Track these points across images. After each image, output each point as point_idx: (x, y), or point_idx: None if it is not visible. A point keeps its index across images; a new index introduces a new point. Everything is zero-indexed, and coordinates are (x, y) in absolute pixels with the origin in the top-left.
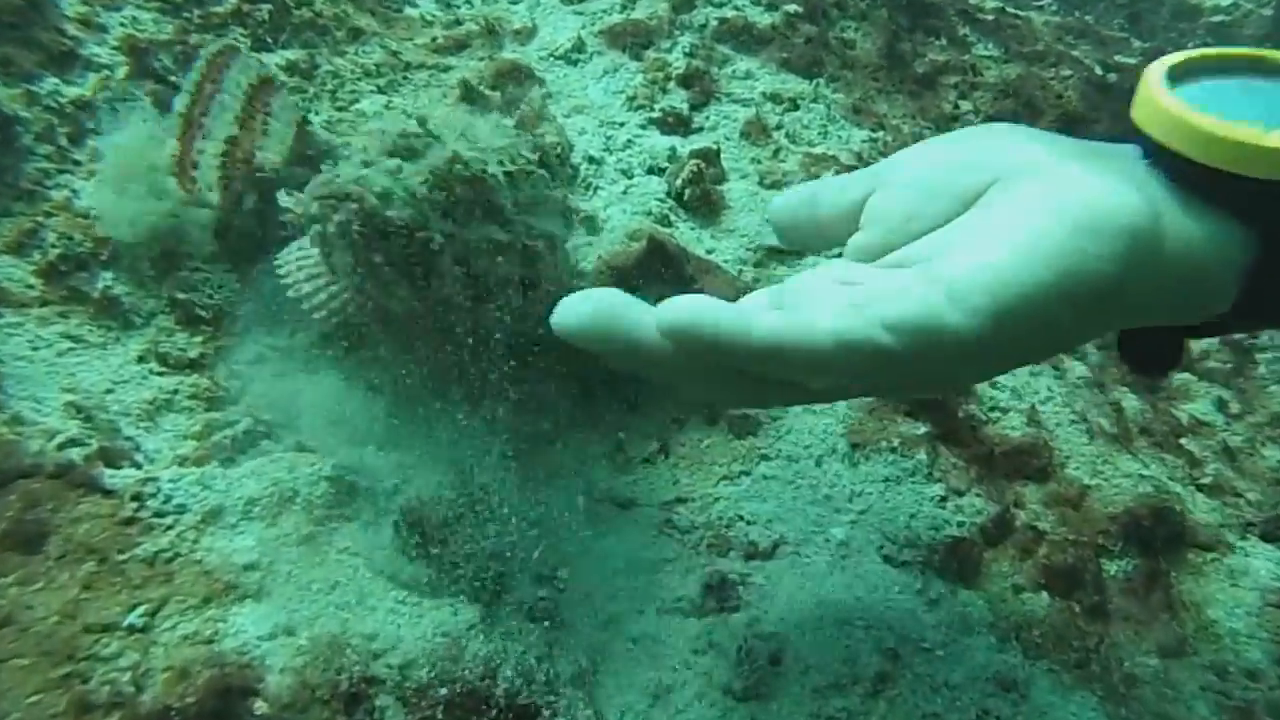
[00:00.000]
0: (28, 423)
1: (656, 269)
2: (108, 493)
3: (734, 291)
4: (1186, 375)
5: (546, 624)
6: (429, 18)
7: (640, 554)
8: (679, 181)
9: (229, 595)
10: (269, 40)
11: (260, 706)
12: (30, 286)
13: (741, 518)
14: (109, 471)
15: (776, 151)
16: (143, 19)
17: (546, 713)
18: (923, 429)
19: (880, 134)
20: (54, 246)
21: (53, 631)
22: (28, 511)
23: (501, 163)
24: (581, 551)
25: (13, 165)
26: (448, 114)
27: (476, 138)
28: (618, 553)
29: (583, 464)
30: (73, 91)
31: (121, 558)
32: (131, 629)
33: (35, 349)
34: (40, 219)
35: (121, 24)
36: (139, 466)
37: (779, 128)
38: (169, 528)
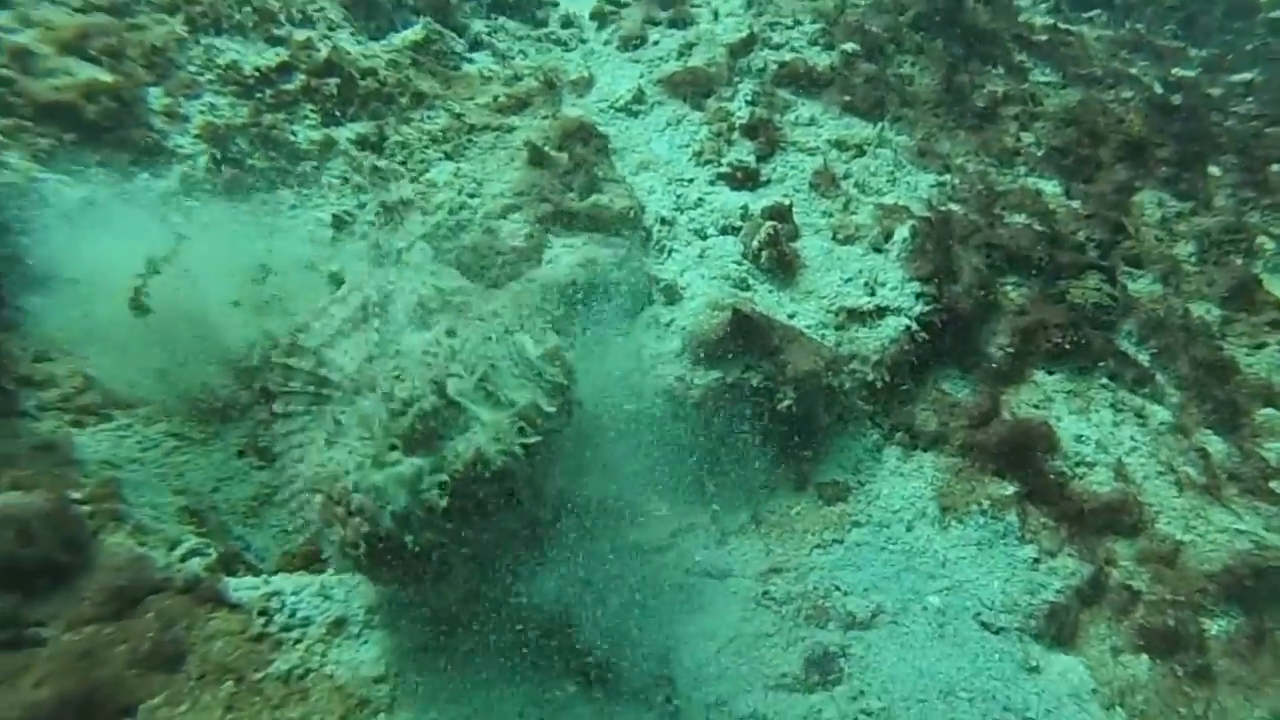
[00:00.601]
0: (150, 531)
1: (743, 340)
2: (234, 607)
3: (820, 361)
4: (1270, 410)
5: (659, 713)
6: (487, 73)
7: (742, 629)
8: (755, 243)
9: (363, 710)
10: (338, 114)
11: None
12: (133, 386)
13: (838, 587)
14: (233, 583)
15: (847, 203)
16: (219, 105)
17: None
18: (1011, 489)
19: (947, 177)
20: (147, 337)
21: None
22: (165, 631)
23: (523, 430)
24: (687, 630)
25: None
26: (466, 344)
27: (498, 389)
28: (720, 629)
29: (680, 535)
30: (161, 185)
31: (258, 676)
32: None
33: (145, 450)
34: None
35: (201, 111)
36: (256, 571)
37: (847, 176)
38: (297, 642)
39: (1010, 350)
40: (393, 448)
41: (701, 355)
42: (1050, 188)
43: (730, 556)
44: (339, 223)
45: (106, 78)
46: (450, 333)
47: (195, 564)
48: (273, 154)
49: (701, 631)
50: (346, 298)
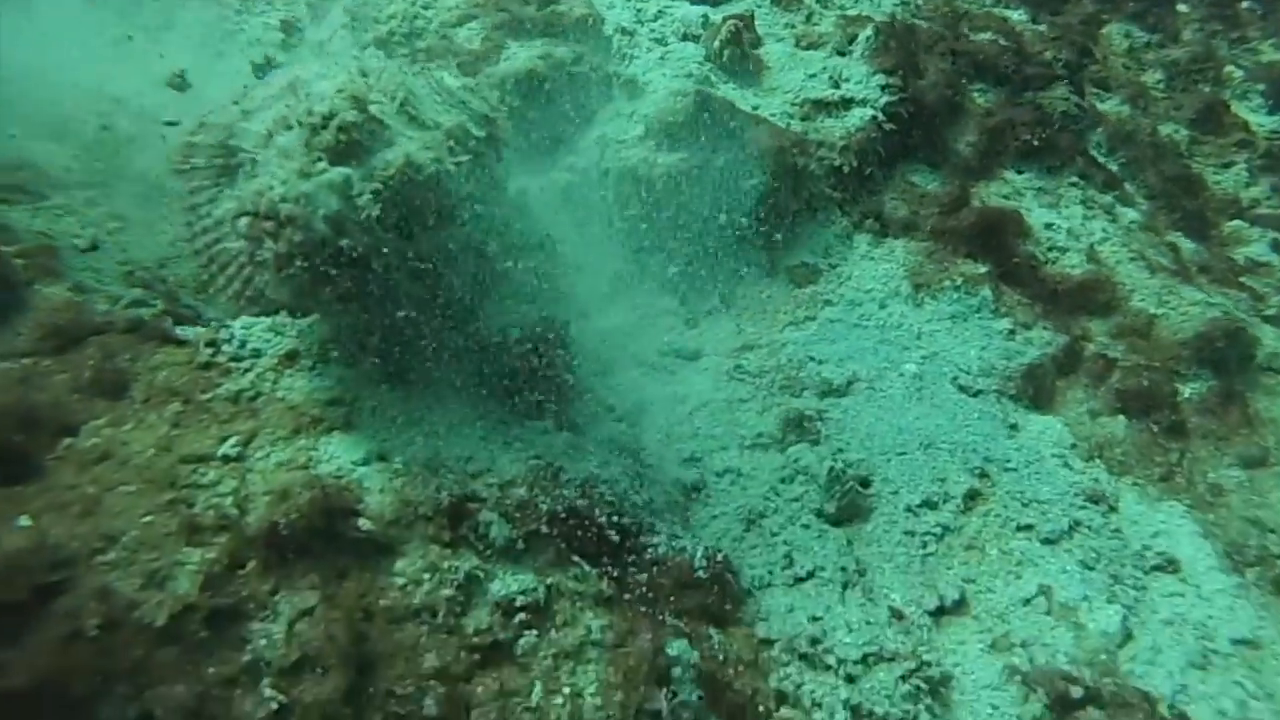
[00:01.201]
0: (90, 290)
1: (704, 122)
2: (181, 343)
3: (785, 140)
4: (1238, 222)
5: (632, 459)
6: None
7: (714, 396)
8: (717, 43)
9: (317, 427)
10: None
11: (365, 524)
12: (69, 170)
13: (812, 358)
14: (180, 327)
15: (809, 16)
16: None
17: (646, 534)
18: (983, 268)
19: None
20: (86, 122)
21: (151, 463)
22: (107, 361)
23: (453, 150)
24: (656, 396)
25: None
26: (383, 74)
27: (420, 113)
28: (691, 396)
29: (648, 319)
30: None
31: (205, 397)
32: (226, 458)
33: (84, 228)
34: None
35: None
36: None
37: None
38: (247, 370)
39: (979, 147)
40: (318, 160)
41: (665, 138)
42: (1017, 15)
43: (701, 337)
44: (287, 27)
45: None
46: (363, 73)
47: (141, 312)
48: None
49: (673, 397)
50: (270, 80)
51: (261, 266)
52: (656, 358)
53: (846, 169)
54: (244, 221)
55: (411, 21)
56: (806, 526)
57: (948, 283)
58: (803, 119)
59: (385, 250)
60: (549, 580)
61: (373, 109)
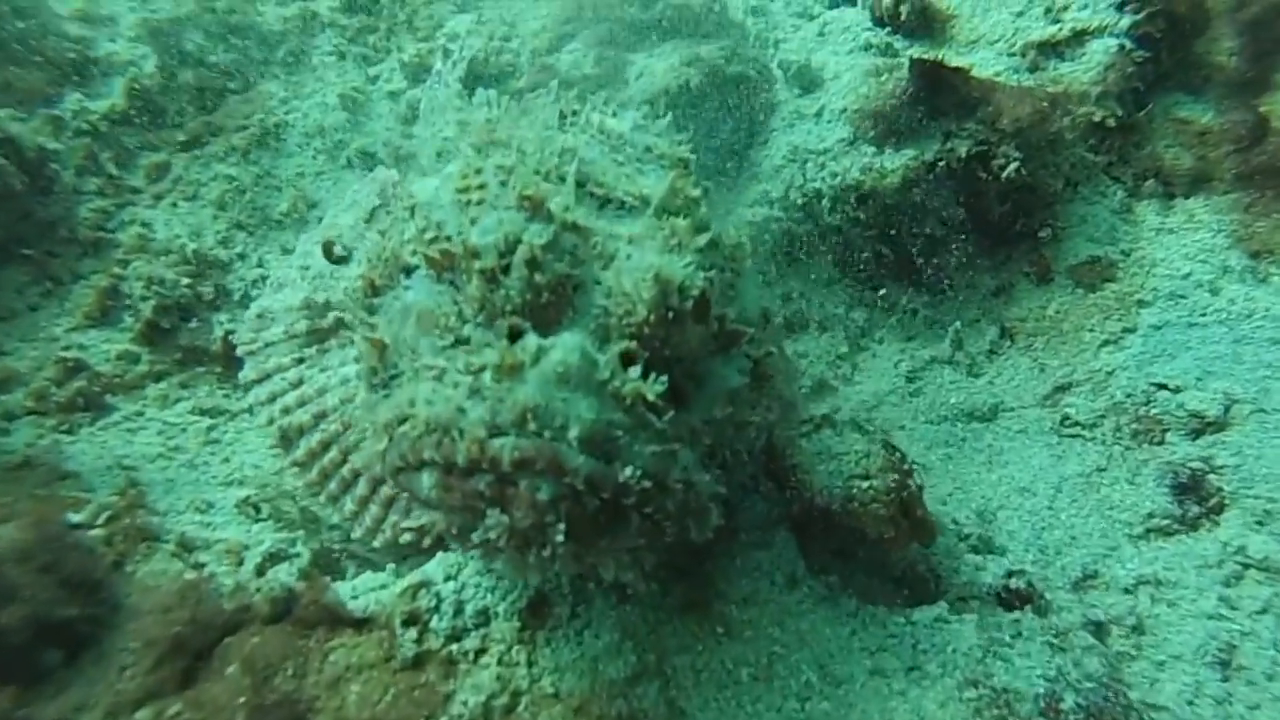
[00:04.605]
0: (201, 544)
1: (933, 101)
2: (362, 623)
3: (1038, 103)
4: None
5: (1031, 610)
6: None
7: (1062, 473)
8: (888, 1)
9: None
10: None
11: None
12: (135, 361)
13: (1160, 386)
14: (346, 586)
15: None
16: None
17: None
18: None
19: None
20: (145, 299)
21: None
22: (265, 689)
23: (694, 230)
24: (990, 492)
25: (63, 215)
26: (526, 149)
27: (610, 187)
28: (1035, 481)
29: (916, 375)
30: (102, 105)
31: None
32: None
33: (170, 438)
34: (118, 271)
35: (131, 9)
36: (375, 565)
37: None
38: (480, 653)
39: (1244, 53)
40: (514, 333)
41: (882, 135)
42: None
43: (994, 387)
44: (349, 102)
45: None
46: (480, 151)
47: (281, 573)
48: (240, 42)
49: (1012, 488)
50: (350, 199)
51: (479, 548)
52: (949, 428)
53: (1110, 121)
54: (428, 480)
55: (496, 58)
56: None
57: None
58: (1031, 70)
59: (678, 448)
60: None
61: (555, 207)
